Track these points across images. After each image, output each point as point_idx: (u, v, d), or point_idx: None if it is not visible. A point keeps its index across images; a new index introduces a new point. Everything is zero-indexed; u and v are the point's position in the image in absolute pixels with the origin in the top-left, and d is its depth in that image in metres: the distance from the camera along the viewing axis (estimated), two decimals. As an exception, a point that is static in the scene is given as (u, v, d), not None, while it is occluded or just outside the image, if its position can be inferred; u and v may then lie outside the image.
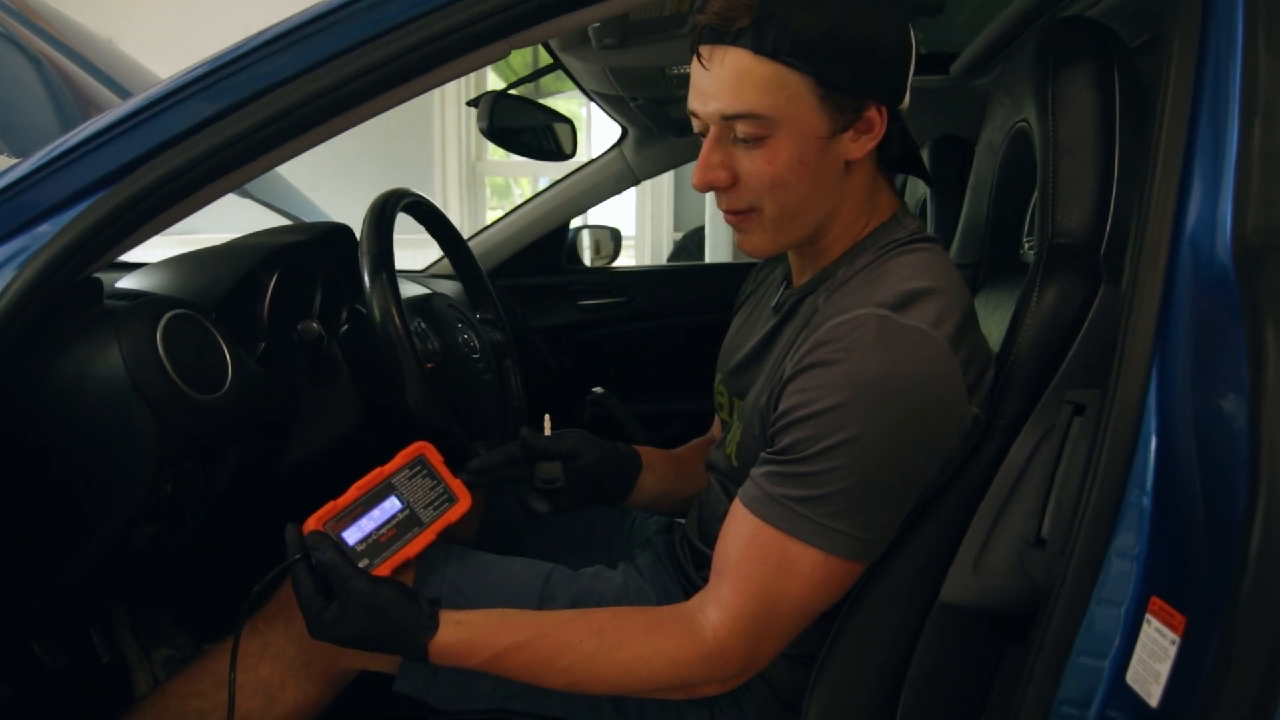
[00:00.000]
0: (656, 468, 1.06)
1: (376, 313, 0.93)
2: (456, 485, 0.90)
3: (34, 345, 0.80)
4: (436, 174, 3.76)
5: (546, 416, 0.97)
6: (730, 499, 0.92)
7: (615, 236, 2.33)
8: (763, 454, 0.79)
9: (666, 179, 3.77)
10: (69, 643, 1.21)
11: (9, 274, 0.78)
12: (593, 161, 2.04)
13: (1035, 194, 1.01)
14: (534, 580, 0.92)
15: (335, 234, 1.08)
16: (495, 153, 3.92)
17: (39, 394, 0.81)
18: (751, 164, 0.77)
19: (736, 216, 0.82)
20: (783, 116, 0.74)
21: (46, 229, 0.79)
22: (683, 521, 1.10)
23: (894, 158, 0.84)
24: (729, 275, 2.27)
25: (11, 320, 0.77)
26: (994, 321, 0.99)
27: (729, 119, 0.75)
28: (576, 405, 1.88)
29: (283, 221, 2.03)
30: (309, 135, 0.82)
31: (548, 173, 2.05)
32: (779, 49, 0.72)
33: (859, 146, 0.78)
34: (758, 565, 0.76)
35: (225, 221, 1.41)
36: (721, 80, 0.75)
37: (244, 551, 1.14)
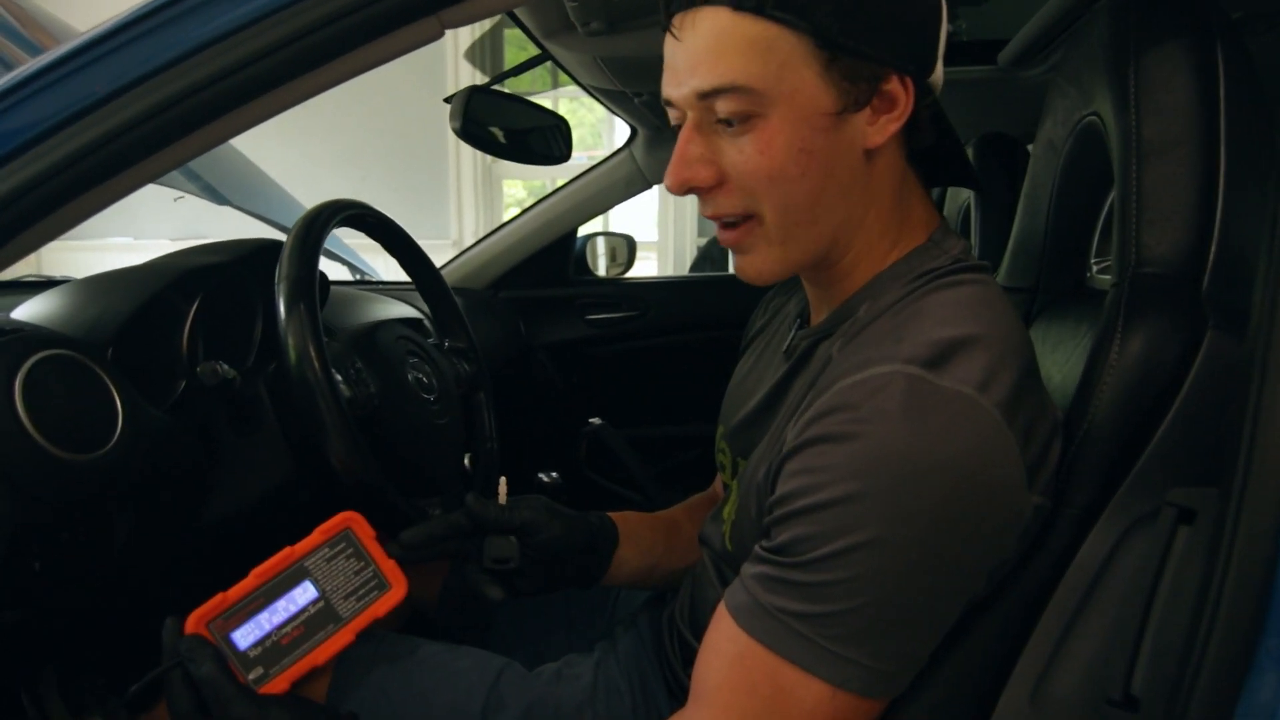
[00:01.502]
0: (639, 539, 0.88)
1: (291, 354, 0.77)
2: (389, 567, 0.73)
3: None
4: (450, 177, 3.61)
5: (502, 480, 0.80)
6: (724, 584, 0.75)
7: (630, 244, 2.17)
8: (756, 547, 0.61)
9: None
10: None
11: None
12: (601, 164, 1.88)
13: (1109, 204, 0.82)
14: (479, 684, 0.75)
15: (267, 253, 0.93)
16: (513, 154, 3.79)
17: None
18: (739, 154, 0.60)
19: (730, 230, 0.64)
20: (774, 89, 0.57)
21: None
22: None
23: (929, 153, 0.66)
24: (752, 287, 2.09)
25: None
26: (1053, 362, 0.80)
27: (706, 96, 0.59)
28: (583, 428, 1.71)
29: (273, 234, 1.90)
30: (195, 137, 0.66)
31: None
32: (764, 1, 0.56)
33: (879, 129, 0.60)
34: (744, 694, 0.58)
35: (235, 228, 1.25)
36: (696, 50, 0.58)
37: (170, 613, 1.00)
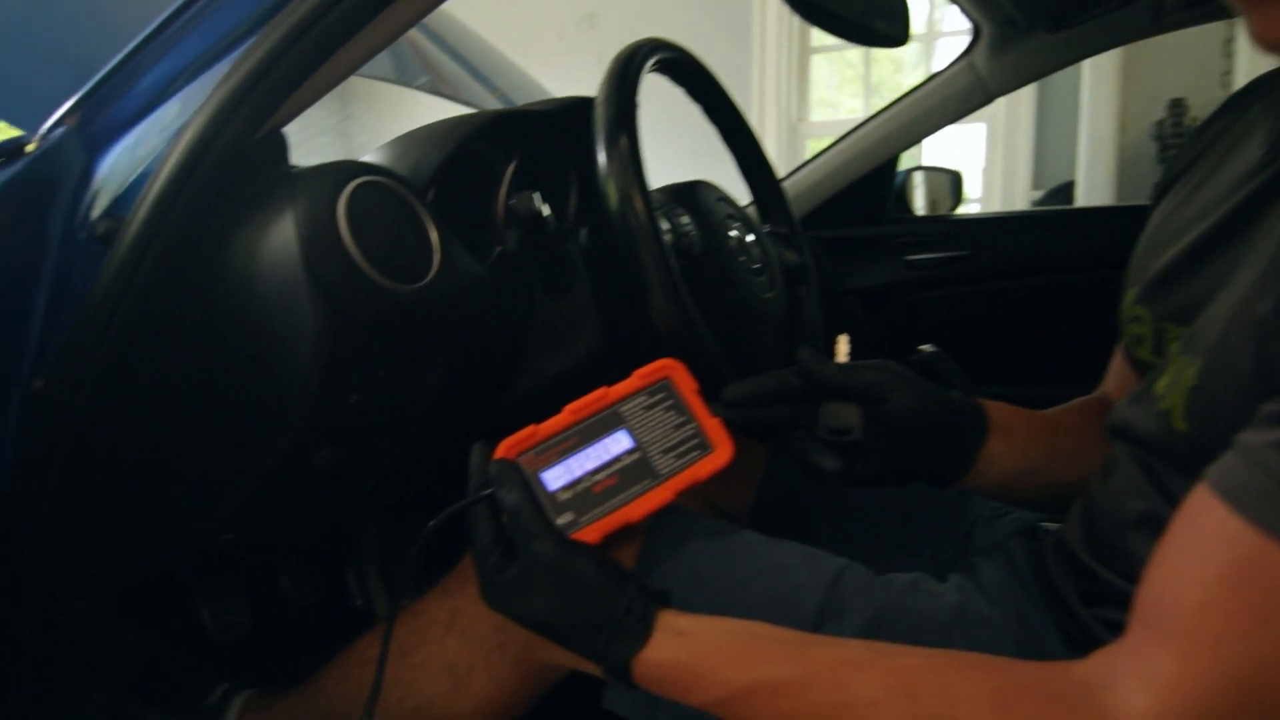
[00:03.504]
0: (1015, 434, 0.69)
1: (612, 192, 0.68)
2: (713, 427, 0.62)
3: (210, 218, 0.66)
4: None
5: (842, 338, 0.66)
6: (1158, 489, 0.54)
7: (955, 181, 1.91)
8: (1268, 406, 0.40)
9: (1025, 118, 3.08)
10: (320, 580, 1.14)
11: (174, 128, 0.65)
12: (931, 79, 1.65)
13: None
14: (814, 582, 0.60)
15: (581, 110, 0.85)
16: (818, 113, 3.58)
17: (214, 276, 0.67)
18: None
19: None
20: None
21: (218, 70, 0.65)
22: (1051, 527, 0.72)
23: None
24: (1111, 221, 1.73)
25: (180, 185, 0.63)
26: None
27: None
28: (911, 355, 1.51)
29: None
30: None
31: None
32: None
33: None
34: (1250, 621, 0.38)
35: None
36: None
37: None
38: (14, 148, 0.69)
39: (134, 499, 0.71)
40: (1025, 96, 3.11)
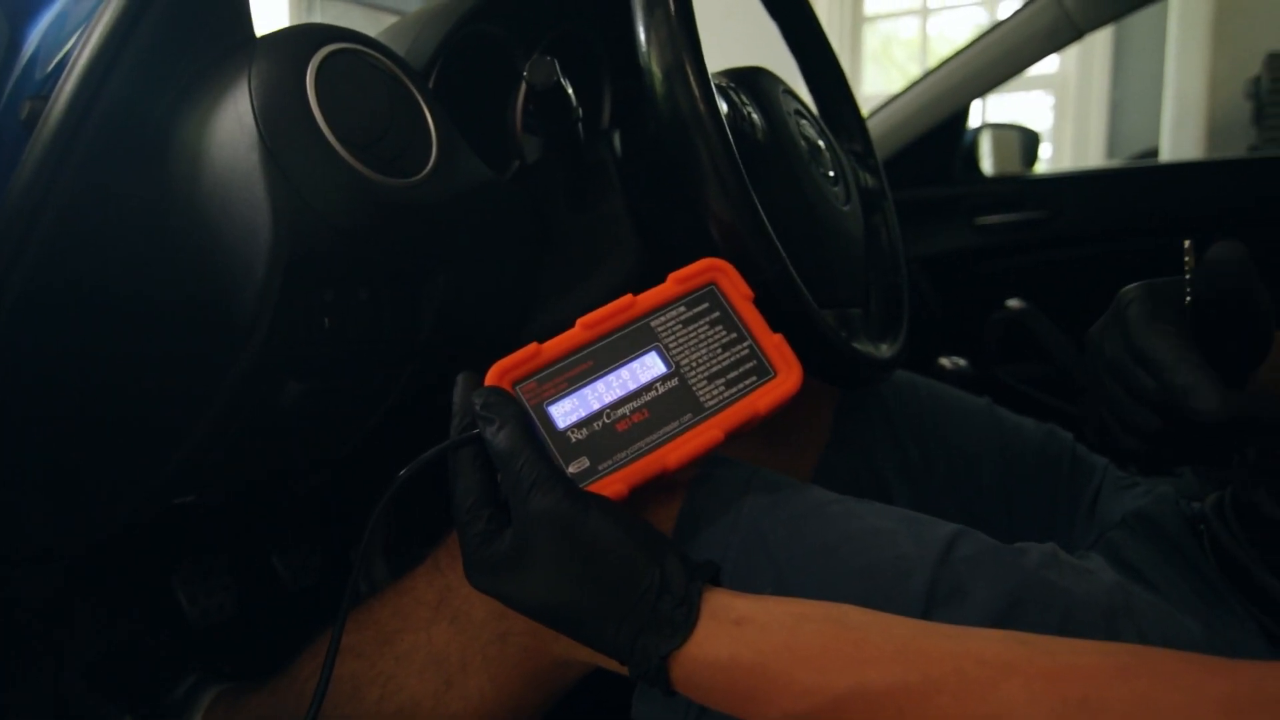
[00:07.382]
0: None
1: (654, 67, 0.53)
2: (774, 346, 0.48)
3: (151, 96, 0.53)
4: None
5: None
6: None
7: (1029, 140, 1.75)
8: None
9: (1099, 80, 2.85)
10: (318, 561, 1.02)
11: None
12: (1011, 18, 1.48)
13: None
14: (920, 552, 0.45)
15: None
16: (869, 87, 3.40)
17: (157, 167, 0.54)
18: None
19: None
20: None
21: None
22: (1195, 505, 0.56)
23: None
24: (1209, 176, 1.55)
25: (113, 53, 0.51)
26: None
27: None
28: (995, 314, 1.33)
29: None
30: None
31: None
32: None
33: None
34: None
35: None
36: None
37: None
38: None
39: (63, 446, 0.58)
40: (1100, 56, 2.90)
